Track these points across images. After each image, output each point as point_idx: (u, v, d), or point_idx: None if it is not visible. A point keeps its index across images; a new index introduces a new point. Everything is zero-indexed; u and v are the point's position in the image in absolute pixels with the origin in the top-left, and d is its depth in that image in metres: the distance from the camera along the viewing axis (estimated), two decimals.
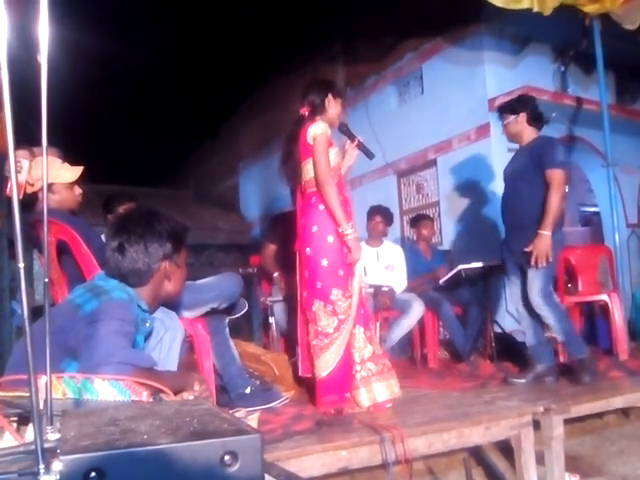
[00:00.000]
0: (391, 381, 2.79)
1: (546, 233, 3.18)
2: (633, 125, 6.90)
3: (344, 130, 3.11)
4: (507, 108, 3.61)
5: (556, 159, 3.31)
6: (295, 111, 3.01)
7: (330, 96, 2.91)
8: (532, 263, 3.20)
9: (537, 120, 3.53)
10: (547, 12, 4.62)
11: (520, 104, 3.57)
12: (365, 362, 2.75)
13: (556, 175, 3.25)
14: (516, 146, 3.71)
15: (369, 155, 3.13)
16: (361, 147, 3.10)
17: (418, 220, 5.24)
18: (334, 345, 2.68)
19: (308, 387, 3.00)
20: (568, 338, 3.36)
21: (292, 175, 2.98)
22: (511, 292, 3.61)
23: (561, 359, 3.79)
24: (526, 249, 3.23)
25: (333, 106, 2.92)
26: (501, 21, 6.20)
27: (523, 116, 3.49)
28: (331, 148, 2.83)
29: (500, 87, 6.24)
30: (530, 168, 3.38)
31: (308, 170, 2.82)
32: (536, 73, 6.57)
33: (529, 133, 3.51)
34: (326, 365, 2.68)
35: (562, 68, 7.06)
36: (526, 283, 3.35)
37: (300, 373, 2.92)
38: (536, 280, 3.27)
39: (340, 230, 2.71)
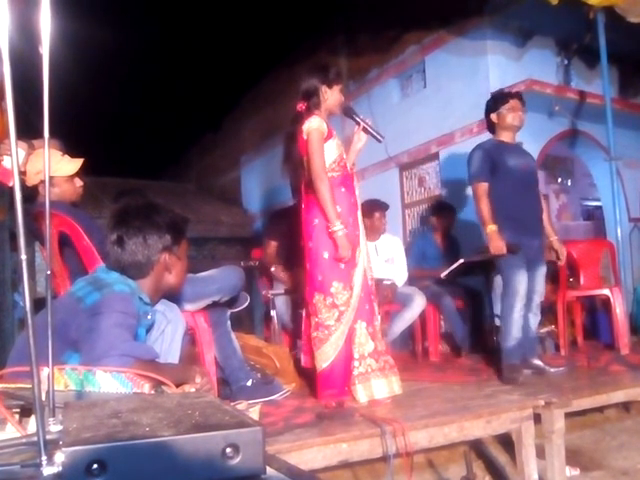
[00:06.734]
0: (392, 378, 2.76)
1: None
2: (636, 119, 6.87)
3: (349, 114, 2.98)
4: (524, 100, 3.46)
5: None
6: (296, 105, 2.94)
7: (324, 87, 2.82)
8: None
9: None
10: (554, 1, 4.58)
11: None
12: (365, 358, 2.71)
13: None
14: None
15: (377, 138, 2.98)
16: (367, 131, 2.97)
17: (441, 209, 5.03)
18: (333, 336, 2.66)
19: (309, 380, 3.00)
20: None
21: (294, 172, 2.93)
22: None
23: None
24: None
25: (330, 95, 2.84)
26: (504, 14, 6.17)
27: None
28: (330, 140, 2.78)
29: (503, 80, 6.21)
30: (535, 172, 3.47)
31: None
32: (539, 66, 6.54)
33: None
34: (326, 357, 2.67)
35: (565, 61, 7.04)
36: None
37: (302, 364, 2.92)
38: None
39: (329, 227, 2.66)
